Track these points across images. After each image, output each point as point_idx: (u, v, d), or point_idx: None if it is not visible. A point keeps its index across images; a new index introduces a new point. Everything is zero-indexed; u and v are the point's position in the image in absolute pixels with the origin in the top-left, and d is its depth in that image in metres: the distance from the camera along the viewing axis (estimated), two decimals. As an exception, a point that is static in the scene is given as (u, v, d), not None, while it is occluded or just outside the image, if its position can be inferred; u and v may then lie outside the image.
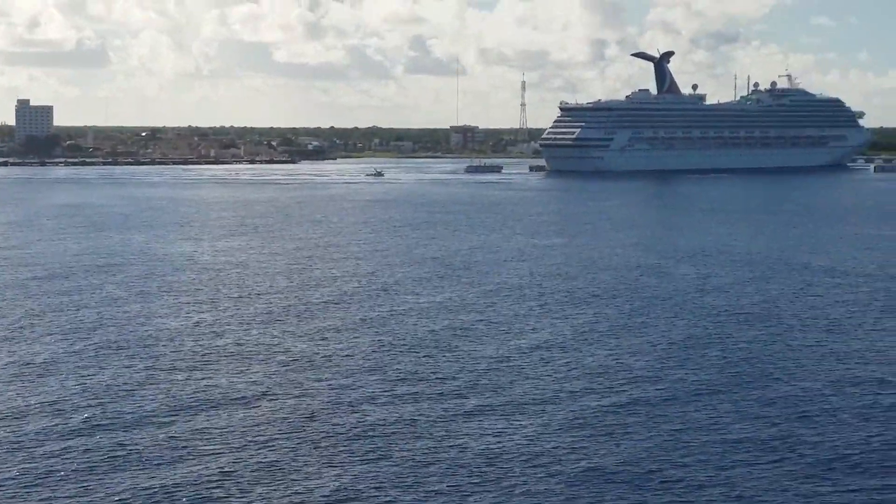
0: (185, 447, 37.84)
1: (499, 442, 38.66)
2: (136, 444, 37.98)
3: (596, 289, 72.37)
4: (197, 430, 39.88)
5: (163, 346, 53.93)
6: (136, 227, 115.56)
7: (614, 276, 78.56)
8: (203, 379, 47.35)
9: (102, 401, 43.53)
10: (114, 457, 36.65)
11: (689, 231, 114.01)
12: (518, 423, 41.08)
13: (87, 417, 41.20)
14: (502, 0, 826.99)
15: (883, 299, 68.80)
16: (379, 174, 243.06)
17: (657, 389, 46.10)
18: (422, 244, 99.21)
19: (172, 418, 41.33)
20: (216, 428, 40.15)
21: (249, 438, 38.96)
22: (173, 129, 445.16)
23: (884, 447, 38.53)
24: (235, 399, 44.25)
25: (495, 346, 54.16)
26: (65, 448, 37.55)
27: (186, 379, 47.29)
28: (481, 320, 61.10)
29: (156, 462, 36.24)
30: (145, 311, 62.97)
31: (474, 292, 70.56)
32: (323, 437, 39.22)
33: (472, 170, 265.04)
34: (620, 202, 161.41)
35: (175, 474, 35.09)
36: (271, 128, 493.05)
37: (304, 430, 40.02)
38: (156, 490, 33.76)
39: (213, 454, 37.15)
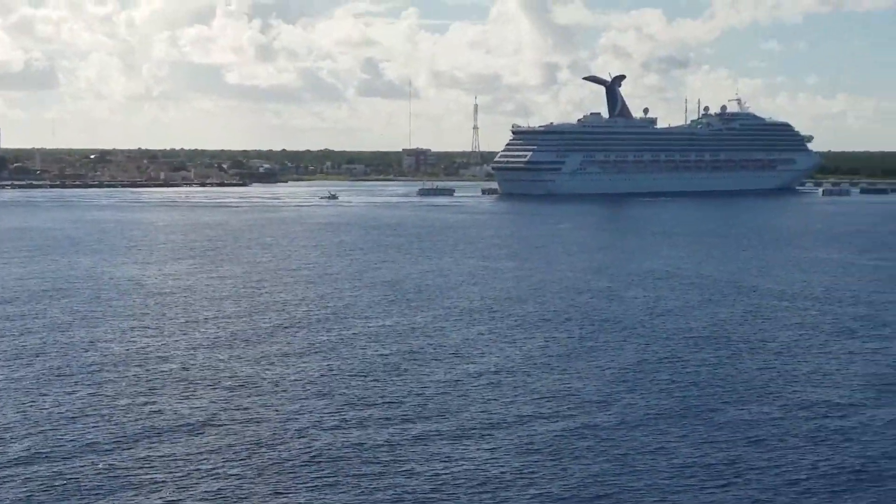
0: (127, 476, 37.18)
1: (446, 467, 38.30)
2: (77, 474, 37.26)
3: (546, 312, 72.23)
4: (140, 458, 39.22)
5: (107, 372, 53.12)
6: (83, 250, 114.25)
7: (565, 299, 78.49)
8: (147, 405, 46.68)
9: (43, 429, 42.74)
10: (53, 486, 35.96)
11: (640, 254, 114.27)
12: (466, 448, 40.74)
13: (27, 446, 40.40)
14: (455, 24, 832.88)
15: (831, 322, 69.15)
16: (333, 197, 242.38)
17: (606, 414, 45.94)
18: (372, 268, 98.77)
19: (115, 446, 40.63)
20: (160, 456, 39.52)
21: (194, 466, 38.36)
22: (123, 151, 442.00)
23: (832, 471, 38.53)
24: (180, 426, 43.61)
25: (444, 371, 53.83)
26: (2, 478, 36.76)
27: (130, 405, 46.59)
28: (431, 344, 60.75)
29: (97, 492, 35.57)
30: (90, 337, 62.11)
31: (424, 316, 70.22)
32: (269, 465, 38.71)
33: (424, 192, 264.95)
34: (572, 225, 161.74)
35: (116, 504, 34.48)
36: (222, 150, 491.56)
37: (251, 458, 39.48)
38: (96, 520, 33.14)
39: (156, 483, 36.54)
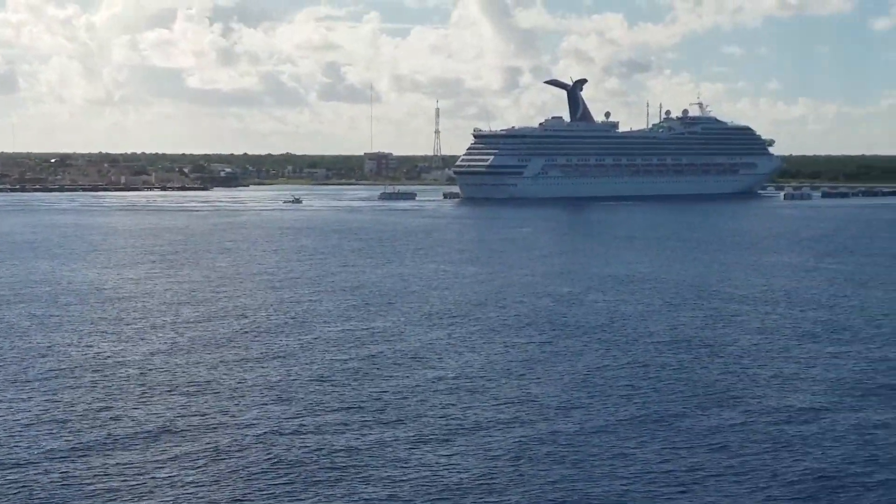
0: (82, 484, 36.67)
1: (405, 473, 38.02)
2: (31, 482, 36.72)
3: (507, 317, 72.06)
4: (96, 465, 38.70)
5: (64, 377, 52.49)
6: (43, 254, 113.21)
7: (526, 304, 78.33)
8: (103, 411, 46.12)
9: (-3, 436, 42.20)
10: (6, 495, 35.40)
11: (602, 258, 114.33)
12: (425, 454, 40.46)
13: (-20, 454, 39.83)
14: (416, 28, 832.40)
15: (791, 326, 69.31)
16: (297, 201, 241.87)
17: (566, 420, 45.76)
18: (332, 273, 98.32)
19: (70, 454, 40.08)
20: (116, 463, 39.00)
21: (151, 474, 37.87)
22: (83, 155, 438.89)
23: (794, 477, 38.47)
24: (137, 433, 43.08)
25: (403, 376, 53.51)
26: (-45, 486, 36.20)
27: (86, 411, 46.00)
28: (390, 349, 60.42)
29: (51, 501, 35.05)
30: (47, 342, 61.40)
31: (384, 321, 69.89)
32: (227, 471, 38.29)
33: (385, 197, 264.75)
34: (533, 229, 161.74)
35: (70, 513, 33.99)
36: (183, 154, 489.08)
37: (209, 465, 39.04)
38: (49, 530, 32.64)
39: (112, 491, 36.07)
